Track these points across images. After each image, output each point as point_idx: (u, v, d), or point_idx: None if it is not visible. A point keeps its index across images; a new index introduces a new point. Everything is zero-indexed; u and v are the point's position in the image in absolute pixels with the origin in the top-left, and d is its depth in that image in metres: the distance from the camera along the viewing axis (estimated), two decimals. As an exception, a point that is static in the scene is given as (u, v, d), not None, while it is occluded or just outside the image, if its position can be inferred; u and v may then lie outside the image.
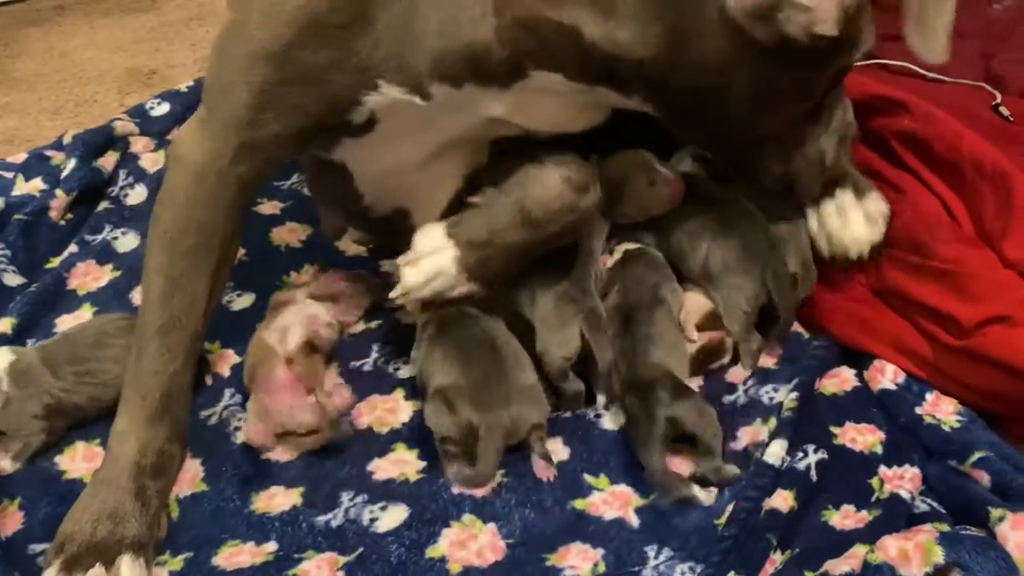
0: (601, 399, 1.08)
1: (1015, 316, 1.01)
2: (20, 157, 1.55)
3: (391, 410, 1.10)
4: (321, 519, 0.97)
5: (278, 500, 1.00)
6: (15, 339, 1.18)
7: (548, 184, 1.04)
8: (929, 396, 1.05)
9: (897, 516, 0.93)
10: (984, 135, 1.21)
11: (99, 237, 1.38)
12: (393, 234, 1.23)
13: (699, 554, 0.92)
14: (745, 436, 1.03)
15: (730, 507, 0.95)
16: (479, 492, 0.99)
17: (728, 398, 1.09)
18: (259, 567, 0.93)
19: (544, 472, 1.00)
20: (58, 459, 1.05)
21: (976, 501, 0.93)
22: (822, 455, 0.99)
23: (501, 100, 0.99)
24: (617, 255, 1.15)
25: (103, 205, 1.45)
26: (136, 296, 1.26)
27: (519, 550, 0.93)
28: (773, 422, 1.03)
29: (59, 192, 1.41)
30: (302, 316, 1.11)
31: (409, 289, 1.05)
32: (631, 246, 1.16)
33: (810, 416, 1.04)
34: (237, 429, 1.07)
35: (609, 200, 1.13)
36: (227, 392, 1.12)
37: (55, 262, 1.34)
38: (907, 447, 1.01)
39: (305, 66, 0.95)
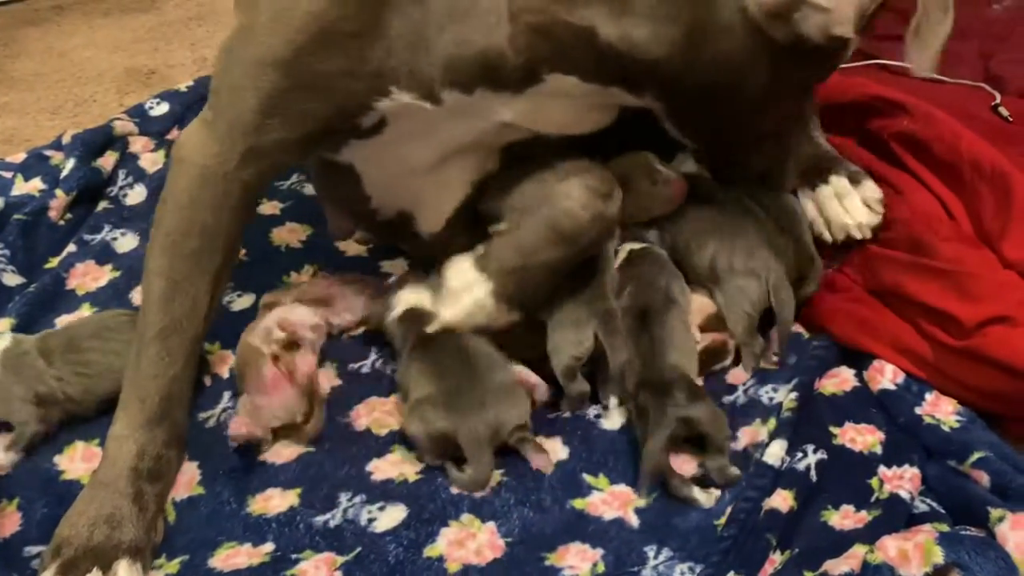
0: (614, 400, 1.07)
1: (1016, 316, 1.01)
2: (19, 157, 1.55)
3: (389, 412, 1.10)
4: (319, 519, 0.97)
5: (275, 502, 0.99)
6: (14, 339, 1.18)
7: (573, 196, 1.04)
8: (928, 396, 1.05)
9: (896, 516, 0.93)
10: (983, 135, 1.21)
11: (98, 237, 1.38)
12: (397, 236, 1.23)
13: (699, 554, 0.91)
14: (745, 436, 1.03)
15: (730, 507, 0.95)
16: (478, 492, 0.99)
17: (728, 398, 1.09)
18: (256, 568, 0.92)
19: (542, 464, 1.00)
20: (57, 459, 1.04)
21: (975, 501, 0.93)
22: (822, 455, 0.99)
23: (512, 105, 0.99)
24: (622, 255, 1.15)
25: (102, 205, 1.45)
26: (136, 296, 1.26)
27: (518, 549, 0.93)
28: (773, 422, 1.03)
29: (58, 192, 1.41)
30: (284, 317, 1.11)
31: (448, 325, 1.06)
32: (635, 246, 1.16)
33: (810, 416, 1.04)
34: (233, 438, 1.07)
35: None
36: (225, 394, 1.12)
37: (54, 262, 1.34)
38: (906, 447, 1.01)
39: (315, 73, 0.94)
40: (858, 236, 1.18)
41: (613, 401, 1.07)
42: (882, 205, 1.19)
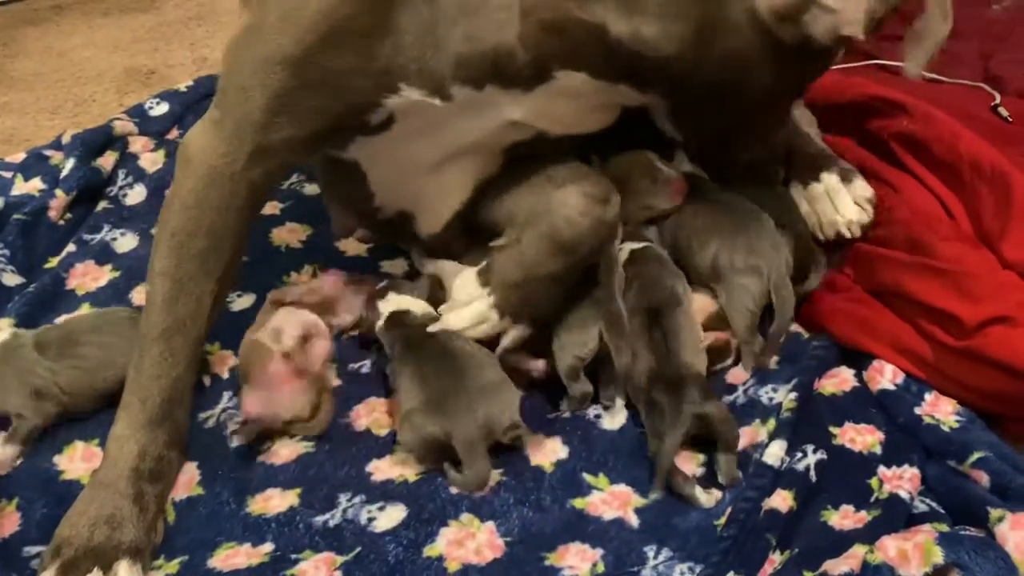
0: (620, 401, 1.08)
1: (1016, 316, 1.01)
2: (19, 157, 1.55)
3: (389, 412, 1.10)
4: (319, 519, 0.97)
5: (275, 502, 0.99)
6: (13, 339, 1.18)
7: (571, 204, 1.04)
8: (928, 396, 1.05)
9: (896, 516, 0.93)
10: (983, 136, 1.21)
11: (98, 237, 1.38)
12: (397, 236, 1.23)
13: (698, 554, 0.92)
14: (744, 437, 1.03)
15: (729, 507, 0.95)
16: (477, 492, 0.99)
17: (727, 398, 1.09)
18: (256, 568, 0.92)
19: (543, 459, 1.00)
20: (56, 459, 1.04)
21: (975, 501, 0.93)
22: (821, 455, 0.99)
23: (521, 103, 0.99)
24: (623, 255, 1.15)
25: (102, 205, 1.45)
26: (135, 296, 1.26)
27: (517, 548, 0.93)
28: (772, 423, 1.03)
29: (58, 192, 1.41)
30: (295, 318, 1.11)
31: (454, 329, 1.06)
32: (636, 245, 1.16)
33: (809, 416, 1.04)
34: (235, 432, 1.07)
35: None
36: (225, 395, 1.12)
37: (54, 262, 1.34)
38: (906, 447, 1.01)
39: (324, 71, 0.94)
40: (848, 234, 1.18)
41: (619, 402, 1.08)
42: (872, 204, 1.19)
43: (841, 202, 1.18)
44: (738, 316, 1.10)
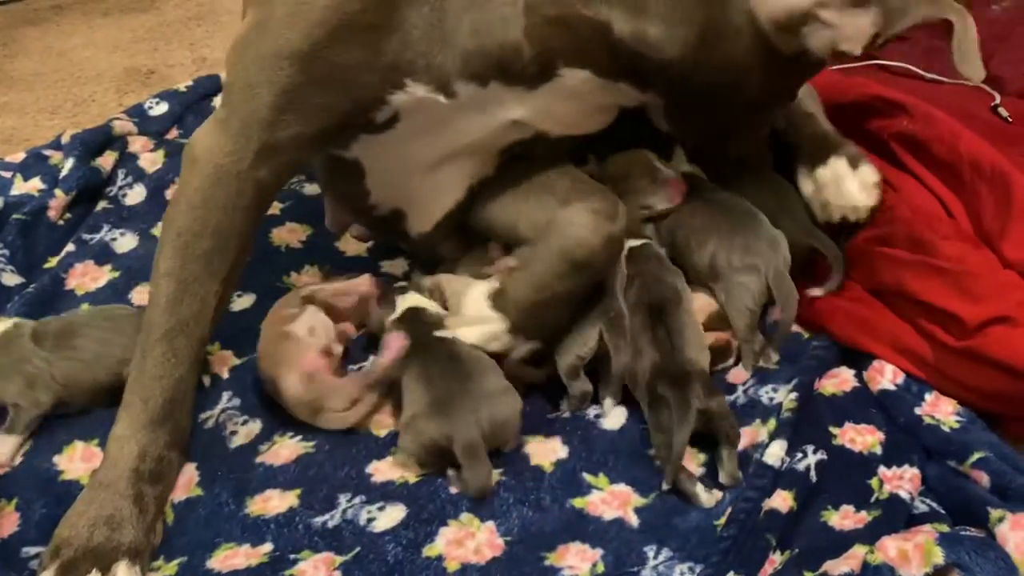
0: (609, 402, 1.08)
1: (1016, 317, 1.01)
2: (18, 156, 1.55)
3: (390, 412, 1.09)
4: (318, 520, 0.97)
5: (274, 503, 0.99)
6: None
7: (580, 222, 1.04)
8: (928, 396, 1.05)
9: (896, 516, 0.93)
10: (983, 136, 1.21)
11: (97, 237, 1.38)
12: (390, 233, 1.23)
13: (698, 554, 0.91)
14: (745, 437, 1.03)
15: (729, 508, 0.95)
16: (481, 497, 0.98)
17: (728, 398, 1.09)
18: (255, 568, 0.92)
19: (543, 459, 1.01)
20: (56, 459, 1.04)
21: (975, 502, 0.93)
22: (821, 456, 0.99)
23: (524, 101, 1.00)
24: (623, 252, 1.15)
25: (101, 205, 1.45)
26: (135, 296, 1.26)
27: (517, 548, 0.93)
28: (772, 423, 1.03)
29: (58, 192, 1.41)
30: (325, 323, 1.12)
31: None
32: (635, 243, 1.16)
33: (809, 417, 1.04)
34: (234, 433, 1.07)
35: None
36: (225, 395, 1.12)
37: (53, 262, 1.34)
38: (906, 447, 1.01)
39: (332, 66, 0.94)
40: (853, 219, 1.18)
41: (609, 402, 1.07)
42: (879, 188, 1.19)
43: (848, 187, 1.18)
44: (738, 315, 1.11)
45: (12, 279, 1.30)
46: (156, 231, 1.37)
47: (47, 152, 1.54)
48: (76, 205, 1.43)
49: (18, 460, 1.04)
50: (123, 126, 1.58)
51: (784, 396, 1.06)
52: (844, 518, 0.94)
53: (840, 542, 0.89)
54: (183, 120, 1.66)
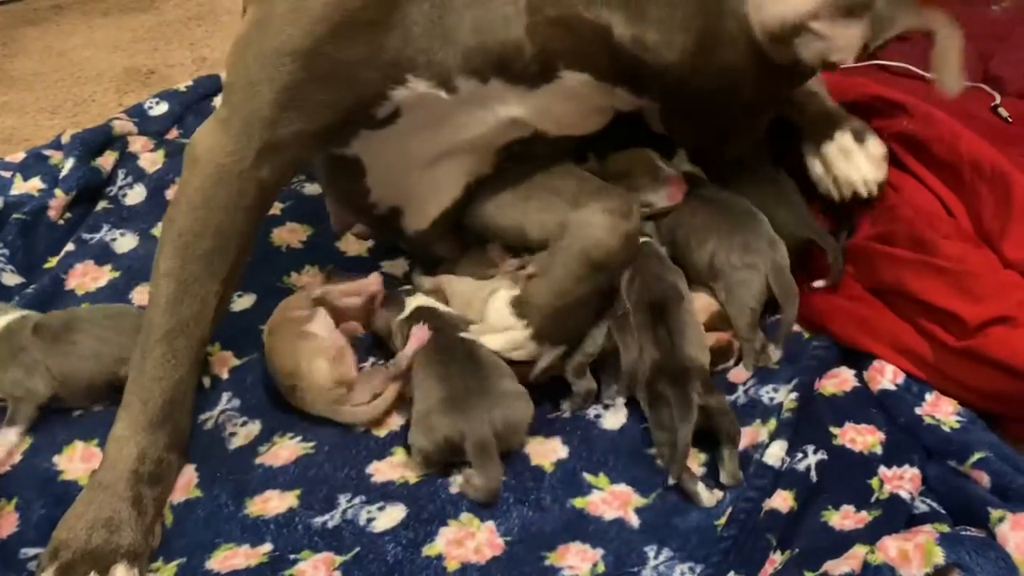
0: (620, 400, 1.08)
1: (1017, 317, 1.01)
2: (18, 156, 1.55)
3: (390, 412, 1.09)
4: (318, 520, 0.97)
5: (273, 503, 0.99)
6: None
7: (596, 223, 1.04)
8: (929, 396, 1.05)
9: (897, 517, 0.93)
10: (983, 136, 1.21)
11: (97, 237, 1.37)
12: (389, 231, 1.23)
13: (699, 554, 0.91)
14: (745, 437, 1.03)
15: (730, 508, 0.95)
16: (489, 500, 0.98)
17: (728, 398, 1.09)
18: (254, 569, 0.92)
19: (543, 459, 1.01)
20: (56, 459, 1.04)
21: (976, 502, 0.93)
22: (822, 456, 0.99)
23: (524, 100, 1.00)
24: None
25: (101, 205, 1.44)
26: (135, 297, 1.26)
27: (517, 547, 0.93)
28: (773, 423, 1.03)
29: (58, 191, 1.41)
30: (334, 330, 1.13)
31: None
32: None
33: (810, 417, 1.04)
34: (233, 434, 1.07)
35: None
36: (224, 396, 1.12)
37: (53, 262, 1.34)
38: (907, 447, 1.01)
39: (334, 63, 0.94)
40: (864, 193, 1.18)
41: (620, 400, 1.08)
42: (887, 161, 1.19)
43: (856, 161, 1.18)
44: (739, 314, 1.11)
45: (12, 279, 1.29)
46: (156, 231, 1.37)
47: (47, 152, 1.54)
48: (76, 205, 1.43)
49: (18, 459, 1.04)
50: (123, 126, 1.58)
51: (784, 396, 1.06)
52: (844, 518, 0.94)
53: (840, 542, 0.89)
54: (183, 120, 1.66)
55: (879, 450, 1.01)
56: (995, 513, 0.90)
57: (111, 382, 1.06)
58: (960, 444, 0.99)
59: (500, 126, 1.03)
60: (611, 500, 0.98)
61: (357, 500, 0.99)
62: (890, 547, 0.84)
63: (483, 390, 1.01)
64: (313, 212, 1.38)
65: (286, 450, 1.05)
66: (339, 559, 0.93)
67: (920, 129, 1.24)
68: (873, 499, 0.96)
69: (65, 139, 1.53)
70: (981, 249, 1.11)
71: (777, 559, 0.90)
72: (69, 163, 1.45)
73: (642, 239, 1.16)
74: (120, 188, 1.47)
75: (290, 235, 1.38)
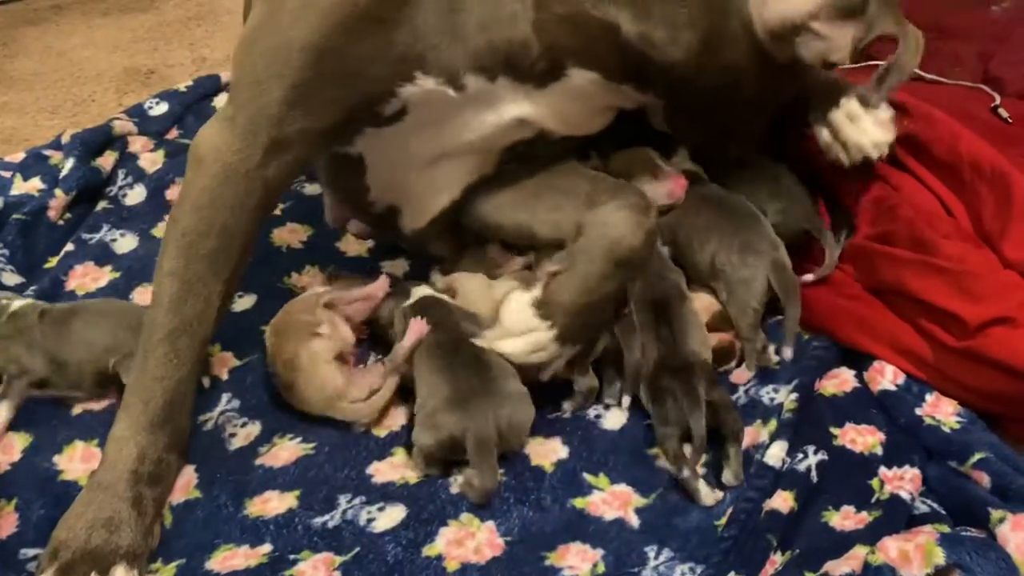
0: (625, 400, 1.08)
1: (1017, 317, 1.01)
2: (18, 156, 1.55)
3: (390, 413, 1.09)
4: (317, 520, 0.97)
5: (273, 504, 0.99)
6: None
7: (617, 221, 1.04)
8: (929, 397, 1.05)
9: (897, 517, 0.93)
10: (983, 137, 1.21)
11: (97, 237, 1.37)
12: (387, 229, 1.23)
13: (699, 554, 0.91)
14: (746, 437, 1.03)
15: (730, 508, 0.95)
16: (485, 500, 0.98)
17: (728, 399, 1.09)
18: (254, 569, 0.92)
19: (543, 459, 1.01)
20: (56, 459, 1.04)
21: (976, 502, 0.93)
22: (822, 456, 0.99)
23: (532, 99, 1.01)
24: None
25: (101, 205, 1.44)
26: (136, 297, 1.26)
27: (517, 548, 0.93)
28: (773, 423, 1.03)
29: (58, 192, 1.41)
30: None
31: (508, 358, 1.05)
32: None
33: (810, 417, 1.04)
34: (233, 435, 1.07)
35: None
36: (224, 397, 1.12)
37: (53, 262, 1.34)
38: (907, 448, 1.01)
39: (342, 59, 0.94)
40: (875, 156, 1.17)
41: (626, 400, 1.08)
42: (895, 123, 1.18)
43: (864, 125, 1.17)
44: (740, 314, 1.11)
45: (12, 279, 1.29)
46: (156, 231, 1.37)
47: (47, 152, 1.54)
48: (76, 205, 1.43)
49: (18, 459, 1.04)
50: (123, 126, 1.58)
51: (785, 397, 1.06)
52: (845, 519, 0.94)
53: (841, 543, 0.89)
54: (183, 120, 1.66)
55: (879, 451, 1.01)
56: (995, 514, 0.90)
57: (100, 371, 1.07)
58: (960, 445, 0.99)
59: (505, 127, 1.03)
60: (611, 500, 0.98)
61: (357, 500, 0.99)
62: (891, 548, 0.84)
63: (489, 390, 1.01)
64: (313, 212, 1.38)
65: (286, 451, 1.05)
66: (339, 559, 0.93)
67: (920, 129, 1.24)
68: (873, 500, 0.96)
69: (65, 139, 1.53)
70: (981, 249, 1.11)
71: (777, 559, 0.90)
72: (69, 163, 1.45)
73: None
74: (120, 188, 1.47)
75: (290, 235, 1.38)
